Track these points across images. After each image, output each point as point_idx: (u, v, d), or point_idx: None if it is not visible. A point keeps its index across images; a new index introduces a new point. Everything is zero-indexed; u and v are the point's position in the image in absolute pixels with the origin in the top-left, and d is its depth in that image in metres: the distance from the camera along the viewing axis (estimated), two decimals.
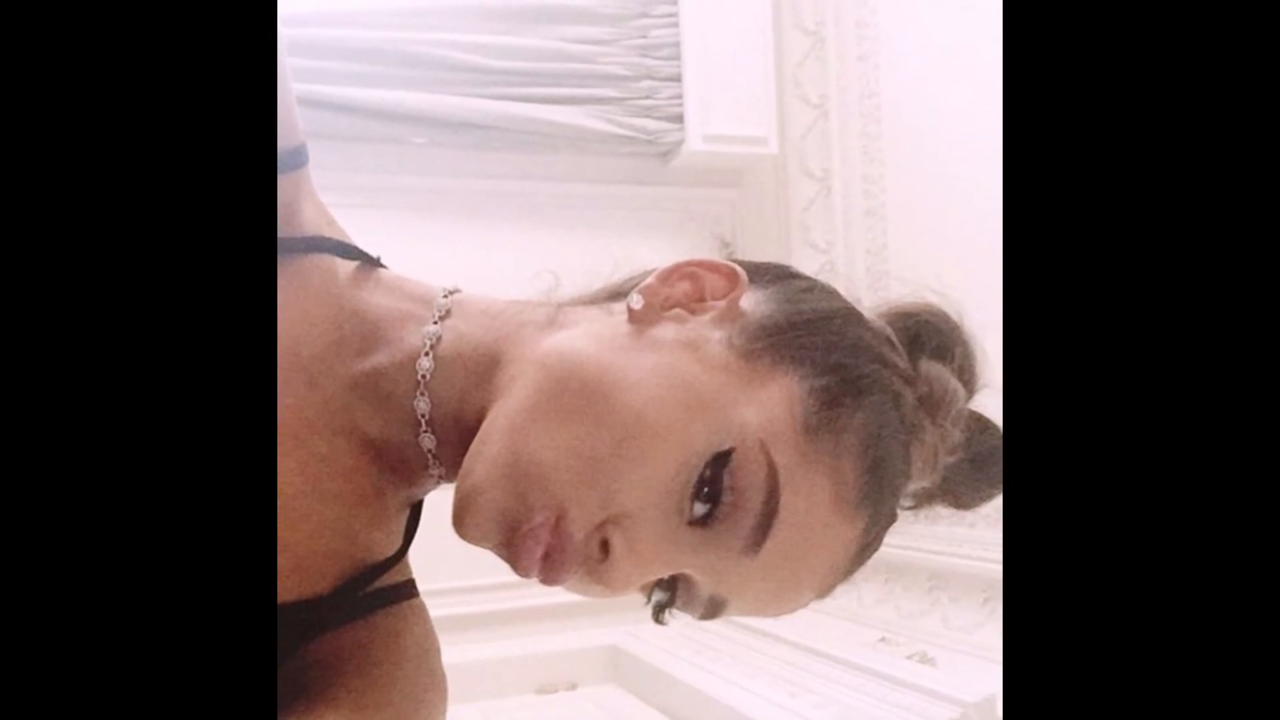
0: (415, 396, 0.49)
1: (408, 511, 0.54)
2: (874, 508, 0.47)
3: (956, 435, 0.51)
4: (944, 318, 0.54)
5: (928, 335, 0.53)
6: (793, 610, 0.49)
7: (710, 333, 0.47)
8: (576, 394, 0.45)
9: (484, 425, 0.46)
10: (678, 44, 2.25)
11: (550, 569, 0.44)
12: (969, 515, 0.57)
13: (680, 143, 2.26)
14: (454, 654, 0.54)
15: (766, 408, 0.45)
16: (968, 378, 0.54)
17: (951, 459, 0.52)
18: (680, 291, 0.49)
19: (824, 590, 0.49)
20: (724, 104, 2.24)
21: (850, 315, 0.50)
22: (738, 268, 0.50)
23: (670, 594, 0.48)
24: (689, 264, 0.50)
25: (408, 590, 0.54)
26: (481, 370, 0.49)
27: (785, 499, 0.44)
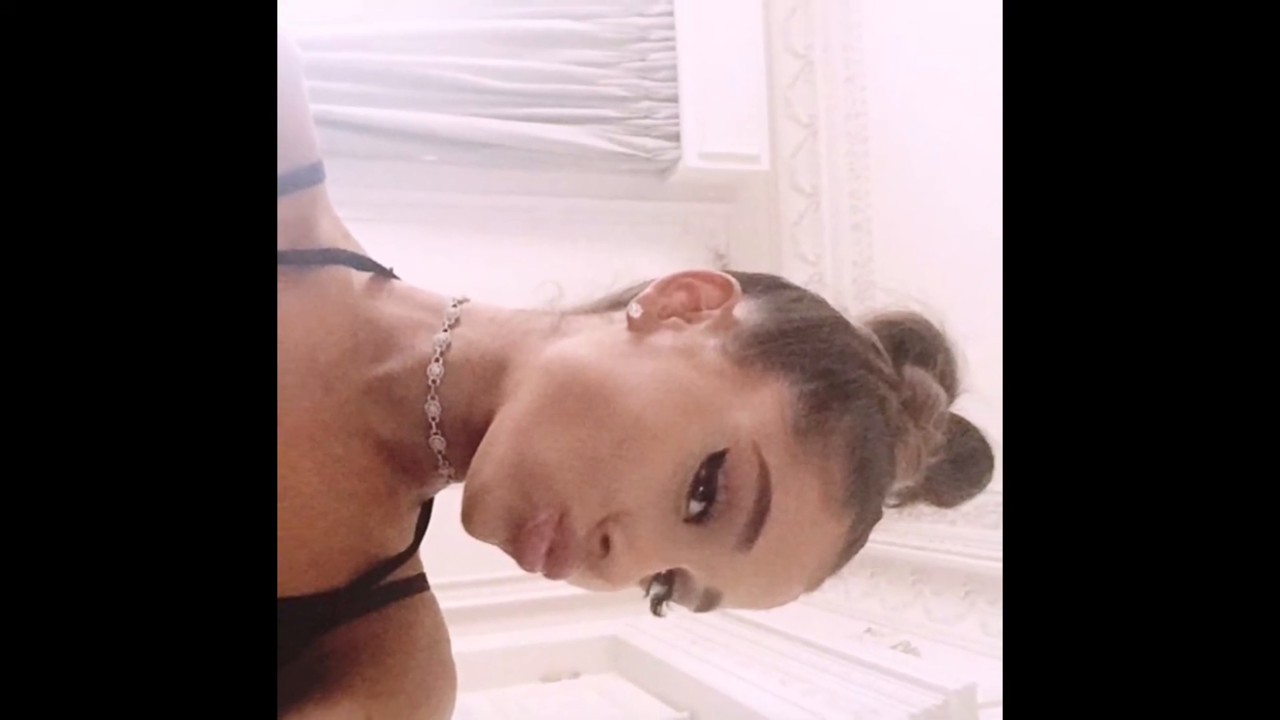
0: (426, 400, 0.49)
1: (419, 509, 0.54)
2: (860, 506, 0.47)
3: (939, 437, 0.51)
4: (927, 326, 0.54)
5: (911, 342, 0.53)
6: (784, 603, 0.49)
7: (705, 340, 0.47)
8: (579, 398, 0.45)
9: (491, 427, 0.46)
10: (675, 67, 2.24)
11: (554, 564, 0.44)
12: (950, 513, 0.57)
13: (677, 160, 2.25)
14: (463, 644, 0.54)
15: (759, 411, 0.45)
16: (949, 383, 0.54)
17: (934, 460, 0.52)
18: (677, 301, 0.49)
19: (813, 584, 0.49)
20: (719, 123, 2.24)
21: (838, 323, 0.50)
22: (731, 278, 0.50)
23: (668, 588, 0.48)
24: (685, 275, 0.50)
25: (419, 584, 0.54)
26: (489, 375, 0.49)
27: (776, 498, 0.44)
